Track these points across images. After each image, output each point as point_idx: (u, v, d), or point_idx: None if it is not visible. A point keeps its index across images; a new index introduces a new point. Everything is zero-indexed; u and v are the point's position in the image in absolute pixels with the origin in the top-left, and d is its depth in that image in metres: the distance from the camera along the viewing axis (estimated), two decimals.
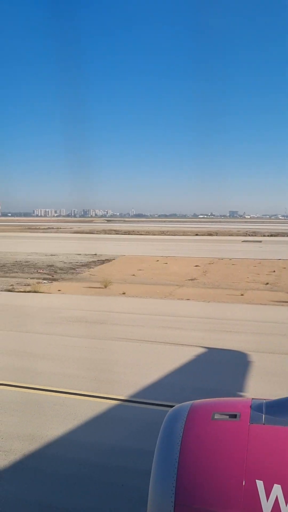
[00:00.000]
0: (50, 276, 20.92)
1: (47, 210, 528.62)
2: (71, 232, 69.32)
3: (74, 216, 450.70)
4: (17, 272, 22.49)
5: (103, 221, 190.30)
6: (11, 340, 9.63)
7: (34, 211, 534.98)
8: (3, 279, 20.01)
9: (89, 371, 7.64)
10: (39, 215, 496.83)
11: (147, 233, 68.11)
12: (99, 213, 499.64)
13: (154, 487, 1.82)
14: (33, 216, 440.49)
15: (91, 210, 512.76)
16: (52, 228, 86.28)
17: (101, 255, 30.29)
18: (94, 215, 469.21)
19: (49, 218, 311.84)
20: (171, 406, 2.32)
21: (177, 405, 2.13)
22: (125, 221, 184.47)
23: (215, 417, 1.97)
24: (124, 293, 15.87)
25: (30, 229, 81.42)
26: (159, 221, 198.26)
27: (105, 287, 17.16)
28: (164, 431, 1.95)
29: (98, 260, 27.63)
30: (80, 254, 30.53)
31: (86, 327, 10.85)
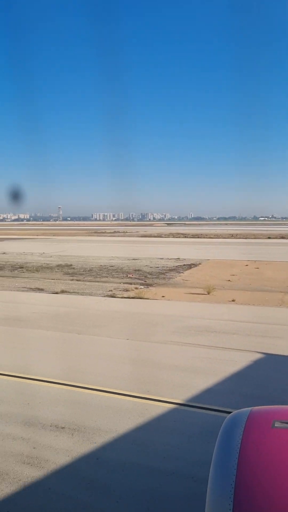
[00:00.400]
0: (142, 281, 20.48)
1: (105, 214, 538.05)
2: (138, 236, 69.35)
3: (132, 219, 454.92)
4: (106, 276, 22.26)
5: (163, 224, 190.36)
6: (160, 353, 9.04)
7: (92, 215, 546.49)
8: (96, 283, 19.79)
9: (261, 388, 6.90)
10: (97, 219, 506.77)
11: (216, 236, 66.74)
12: (157, 216, 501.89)
13: (211, 498, 1.69)
14: (92, 220, 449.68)
15: (149, 214, 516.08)
16: (118, 231, 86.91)
17: (184, 259, 29.60)
18: (152, 218, 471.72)
19: (108, 222, 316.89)
20: None
21: (235, 411, 1.93)
22: (185, 224, 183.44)
23: (276, 425, 1.84)
24: (233, 300, 15.03)
25: (97, 233, 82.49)
26: (220, 223, 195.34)
27: (208, 293, 16.41)
28: (221, 438, 1.82)
29: (184, 265, 26.94)
30: (162, 259, 30.01)
31: (219, 337, 10.12)
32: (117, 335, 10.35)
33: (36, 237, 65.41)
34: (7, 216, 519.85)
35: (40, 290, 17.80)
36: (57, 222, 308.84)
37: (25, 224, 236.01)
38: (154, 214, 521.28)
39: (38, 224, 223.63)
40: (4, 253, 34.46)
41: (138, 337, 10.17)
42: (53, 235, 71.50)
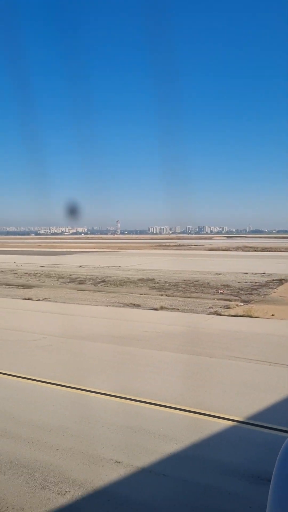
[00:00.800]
0: (237, 298, 19.33)
1: (162, 227, 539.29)
2: (205, 249, 68.07)
3: (189, 233, 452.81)
4: (196, 292, 21.29)
5: (222, 237, 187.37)
6: None
7: (149, 228, 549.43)
8: (189, 299, 18.87)
9: None
10: (154, 232, 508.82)
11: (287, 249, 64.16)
12: (214, 229, 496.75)
13: None
14: (148, 234, 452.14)
15: (206, 227, 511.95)
16: (183, 245, 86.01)
17: (270, 274, 28.11)
18: (209, 231, 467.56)
19: (166, 235, 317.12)
20: None
21: None
22: (246, 237, 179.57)
23: None
24: None
25: (161, 246, 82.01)
26: (282, 236, 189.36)
27: None
28: (279, 464, 1.61)
29: (273, 280, 25.47)
30: (247, 273, 28.67)
31: None
32: (254, 359, 9.30)
33: (103, 250, 65.81)
34: (65, 229, 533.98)
35: (136, 305, 17.11)
36: (115, 235, 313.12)
37: (84, 237, 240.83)
38: (211, 227, 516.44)
39: (97, 237, 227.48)
40: (81, 266, 34.43)
41: (282, 362, 9.06)
42: (119, 249, 71.71)
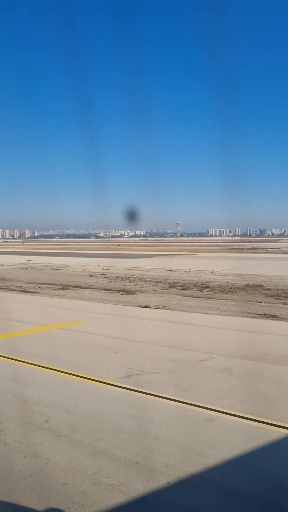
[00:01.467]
0: None
1: (221, 230, 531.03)
2: (282, 253, 64.42)
3: (250, 235, 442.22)
4: None
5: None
6: None
7: (208, 231, 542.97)
8: None
9: None
10: (213, 235, 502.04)
11: None
12: (276, 231, 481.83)
13: None
14: (207, 236, 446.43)
15: (267, 229, 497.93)
16: (257, 248, 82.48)
17: None
18: (270, 234, 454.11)
19: (227, 238, 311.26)
20: None
21: None
22: None
23: None
24: None
25: (234, 249, 78.98)
26: None
27: None
28: None
29: None
30: None
31: None
32: None
33: (178, 253, 63.91)
34: (124, 232, 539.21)
35: (273, 316, 14.93)
36: (175, 238, 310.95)
37: (146, 240, 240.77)
38: (272, 229, 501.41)
39: (159, 240, 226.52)
40: (171, 270, 32.64)
41: None
42: (191, 252, 69.57)
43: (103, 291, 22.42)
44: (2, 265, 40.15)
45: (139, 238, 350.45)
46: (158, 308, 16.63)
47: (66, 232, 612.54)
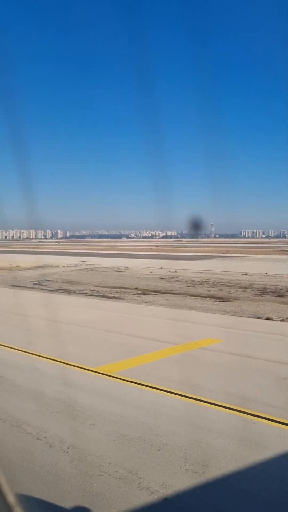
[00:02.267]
0: None
1: (254, 231, 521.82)
2: None
3: (284, 237, 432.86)
4: None
5: None
6: None
7: (241, 232, 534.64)
8: None
9: None
10: (246, 236, 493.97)
11: None
12: None
13: None
14: (240, 237, 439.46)
15: None
16: None
17: None
18: None
19: (260, 240, 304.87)
20: None
21: None
22: None
23: None
24: None
25: (284, 251, 75.51)
26: None
27: None
28: None
29: None
30: None
31: None
32: None
33: (228, 255, 61.09)
34: (155, 233, 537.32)
35: None
36: (209, 239, 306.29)
37: (180, 241, 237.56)
38: None
39: (193, 241, 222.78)
40: (246, 273, 30.03)
41: None
42: (241, 253, 66.60)
43: (189, 297, 20.09)
44: (58, 266, 38.41)
45: (171, 239, 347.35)
46: (282, 320, 14.13)
47: (98, 232, 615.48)
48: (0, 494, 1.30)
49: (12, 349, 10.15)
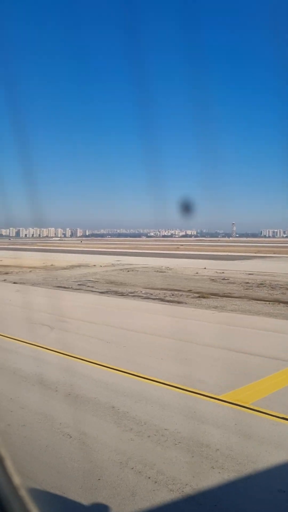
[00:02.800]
0: None
1: (275, 230, 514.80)
2: None
3: None
4: None
5: None
6: None
7: (261, 231, 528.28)
8: None
9: None
10: (267, 235, 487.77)
11: None
12: None
13: None
14: (261, 237, 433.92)
15: None
16: None
17: None
18: None
19: (282, 239, 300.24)
20: None
21: None
22: None
23: None
24: None
25: None
26: None
27: None
28: None
29: None
30: None
31: None
32: None
33: (259, 254, 59.03)
34: (175, 232, 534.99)
35: None
36: (230, 238, 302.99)
37: (201, 239, 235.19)
38: None
39: (215, 240, 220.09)
40: None
41: None
42: (273, 253, 64.44)
43: (254, 301, 18.44)
44: (94, 265, 37.09)
45: (192, 238, 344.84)
46: None
47: (117, 231, 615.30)
48: (14, 490, 1.17)
49: (103, 367, 8.67)
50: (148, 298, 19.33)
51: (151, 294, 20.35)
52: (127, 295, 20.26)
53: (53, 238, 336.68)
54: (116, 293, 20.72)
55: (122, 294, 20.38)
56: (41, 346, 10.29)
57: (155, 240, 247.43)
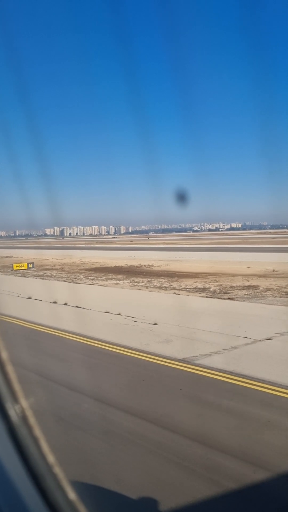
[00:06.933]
0: None
1: None
2: None
3: None
4: None
5: None
6: None
7: None
8: None
9: None
10: None
11: None
12: None
13: None
14: None
15: None
16: None
17: None
18: None
19: None
20: None
21: None
22: None
23: None
24: None
25: None
26: None
27: None
28: None
29: None
30: None
31: None
32: None
33: None
34: (219, 225, 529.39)
35: None
36: (274, 230, 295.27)
37: (264, 232, 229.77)
38: None
39: (273, 232, 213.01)
40: None
41: None
42: None
43: None
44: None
45: (240, 231, 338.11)
46: None
47: (158, 227, 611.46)
48: (49, 468, 1.29)
49: None
50: None
51: None
52: None
53: (105, 236, 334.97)
54: None
55: None
56: None
57: (215, 234, 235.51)
